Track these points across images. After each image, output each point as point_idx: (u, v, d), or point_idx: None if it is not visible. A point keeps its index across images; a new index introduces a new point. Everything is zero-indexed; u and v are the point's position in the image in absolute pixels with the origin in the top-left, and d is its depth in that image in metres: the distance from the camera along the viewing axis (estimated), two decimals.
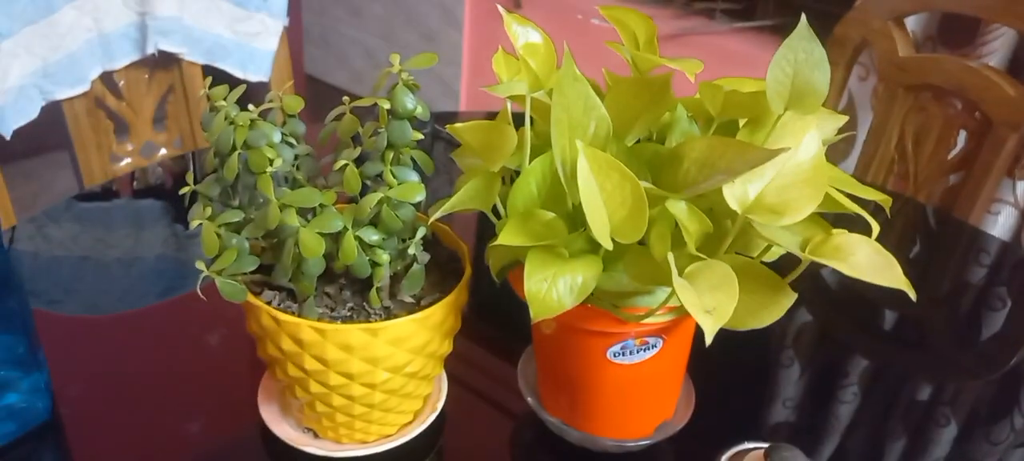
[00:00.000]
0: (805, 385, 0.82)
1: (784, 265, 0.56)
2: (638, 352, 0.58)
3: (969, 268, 1.09)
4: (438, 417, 0.69)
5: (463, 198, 0.57)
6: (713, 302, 0.47)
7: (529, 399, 0.67)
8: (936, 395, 0.79)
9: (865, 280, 0.50)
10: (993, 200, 1.22)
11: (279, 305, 0.59)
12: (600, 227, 0.50)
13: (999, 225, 1.30)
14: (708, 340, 0.47)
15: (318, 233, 0.54)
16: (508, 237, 0.53)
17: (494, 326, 0.85)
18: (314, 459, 0.65)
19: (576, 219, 0.56)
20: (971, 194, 1.21)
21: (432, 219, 0.58)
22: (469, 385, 0.75)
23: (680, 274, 0.50)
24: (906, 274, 0.52)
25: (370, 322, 0.58)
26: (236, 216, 0.57)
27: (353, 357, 0.57)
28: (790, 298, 0.53)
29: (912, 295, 0.51)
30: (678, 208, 0.53)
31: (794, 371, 0.84)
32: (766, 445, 0.55)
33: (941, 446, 0.74)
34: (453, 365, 0.73)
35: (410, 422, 0.67)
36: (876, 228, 0.53)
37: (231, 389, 0.75)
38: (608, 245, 0.50)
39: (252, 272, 0.58)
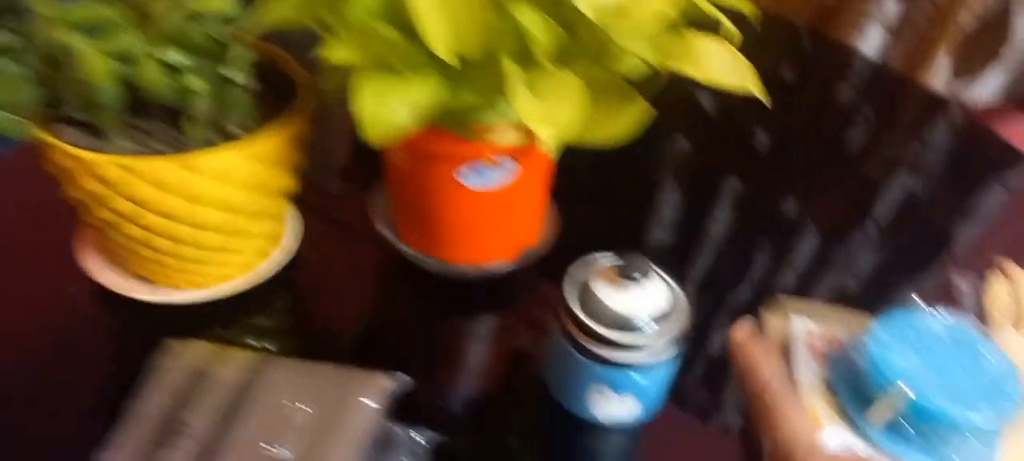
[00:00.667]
0: (676, 207, 0.82)
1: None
2: (491, 175, 0.55)
3: (837, 86, 1.10)
4: (288, 257, 0.64)
5: (282, 9, 0.50)
6: (555, 113, 0.44)
7: (384, 230, 0.63)
8: (800, 210, 0.81)
9: (717, 84, 0.47)
10: (863, 16, 1.22)
11: (82, 142, 0.51)
12: (435, 33, 0.45)
13: (869, 43, 1.32)
14: (552, 153, 0.43)
15: (106, 54, 0.46)
16: (336, 53, 0.47)
17: (350, 158, 0.80)
18: (149, 306, 0.60)
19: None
20: (842, 12, 1.21)
21: (248, 36, 0.51)
22: (322, 221, 0.71)
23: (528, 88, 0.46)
24: (773, 90, 0.50)
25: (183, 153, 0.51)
26: (9, 39, 0.48)
27: (170, 195, 0.51)
28: (645, 111, 0.50)
29: (766, 101, 0.49)
30: (526, 15, 0.48)
31: (665, 194, 0.84)
32: (613, 255, 0.53)
33: (802, 256, 0.76)
34: (306, 201, 0.69)
35: (257, 263, 0.63)
36: (737, 34, 0.50)
37: (48, 244, 0.67)
38: (445, 55, 0.45)
39: (48, 105, 0.50)
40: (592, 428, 0.57)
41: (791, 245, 0.77)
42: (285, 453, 0.43)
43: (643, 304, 0.52)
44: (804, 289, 0.72)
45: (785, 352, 0.57)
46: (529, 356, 0.62)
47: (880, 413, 0.48)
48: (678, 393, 0.60)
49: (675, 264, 0.67)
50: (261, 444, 0.44)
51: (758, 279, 0.73)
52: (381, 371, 0.51)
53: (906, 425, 0.48)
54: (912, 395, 0.47)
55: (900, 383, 0.47)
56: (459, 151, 0.53)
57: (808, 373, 0.54)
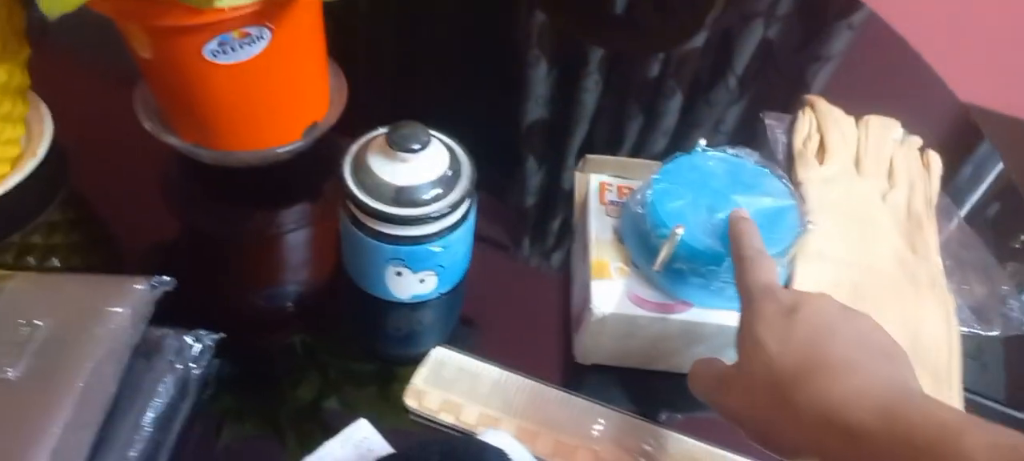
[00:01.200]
0: (497, 69, 0.79)
1: None
2: (242, 47, 0.49)
3: None
4: (43, 164, 0.58)
5: None
6: None
7: (149, 124, 0.57)
8: (662, 71, 0.79)
9: None
10: None
11: None
12: None
13: None
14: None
15: None
16: None
17: (105, 51, 0.72)
18: None
19: None
20: None
21: None
22: (83, 121, 0.64)
23: None
24: None
25: None
26: None
27: None
28: None
29: None
30: None
31: (476, 55, 0.80)
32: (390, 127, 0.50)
33: (670, 116, 0.75)
34: (60, 103, 0.62)
35: (5, 174, 0.56)
36: None
37: None
38: None
39: None
40: (394, 307, 0.55)
41: (659, 107, 0.76)
42: (12, 373, 0.39)
43: (421, 174, 0.49)
44: (639, 146, 0.72)
45: (584, 208, 0.56)
46: (326, 241, 0.59)
47: (661, 258, 0.48)
48: (484, 260, 0.58)
49: (490, 130, 0.64)
50: None
51: (605, 140, 0.72)
52: (142, 276, 0.46)
53: (684, 267, 0.48)
54: (680, 234, 0.47)
55: (675, 226, 0.47)
56: (193, 23, 0.47)
57: (600, 226, 0.54)
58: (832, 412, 0.35)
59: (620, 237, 0.53)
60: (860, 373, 0.37)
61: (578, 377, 0.52)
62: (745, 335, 0.41)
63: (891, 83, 0.85)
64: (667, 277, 0.49)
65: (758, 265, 0.44)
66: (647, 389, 0.52)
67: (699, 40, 0.84)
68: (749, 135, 0.73)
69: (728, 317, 0.49)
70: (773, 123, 0.73)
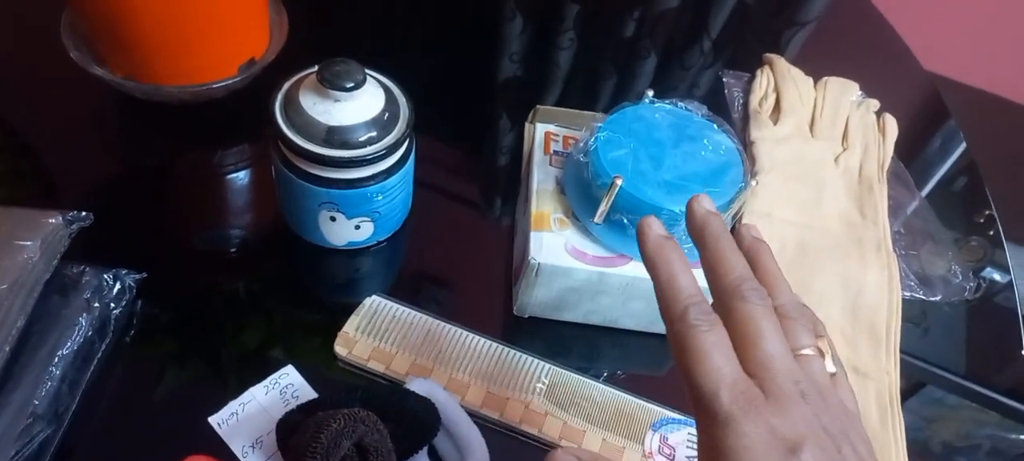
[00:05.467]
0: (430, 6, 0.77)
1: None
2: None
3: None
4: None
5: None
6: None
7: (74, 54, 0.54)
8: (637, 31, 0.77)
9: None
10: None
11: None
12: None
13: None
14: None
15: None
16: None
17: None
18: None
19: None
20: None
21: None
22: (8, 47, 0.61)
23: None
24: None
25: None
26: None
27: None
28: None
29: None
30: None
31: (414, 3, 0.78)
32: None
33: (644, 77, 0.74)
34: None
35: None
36: None
37: None
38: None
39: None
40: (330, 254, 0.53)
41: (634, 69, 0.74)
42: None
43: (354, 115, 0.47)
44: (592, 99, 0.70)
45: (530, 158, 0.55)
46: (263, 185, 0.57)
47: (602, 210, 0.47)
48: (429, 210, 0.57)
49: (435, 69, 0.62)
50: None
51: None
52: (56, 210, 0.44)
53: (625, 219, 0.47)
54: (619, 184, 0.46)
55: (615, 176, 0.46)
56: None
57: (542, 176, 0.52)
58: None
59: (562, 188, 0.51)
60: None
61: (516, 330, 0.51)
62: None
63: (862, 52, 0.83)
64: (607, 230, 0.48)
65: (710, 339, 0.29)
66: (584, 343, 0.52)
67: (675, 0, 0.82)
68: (721, 99, 0.71)
69: None
70: (731, 81, 0.72)
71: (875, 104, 0.70)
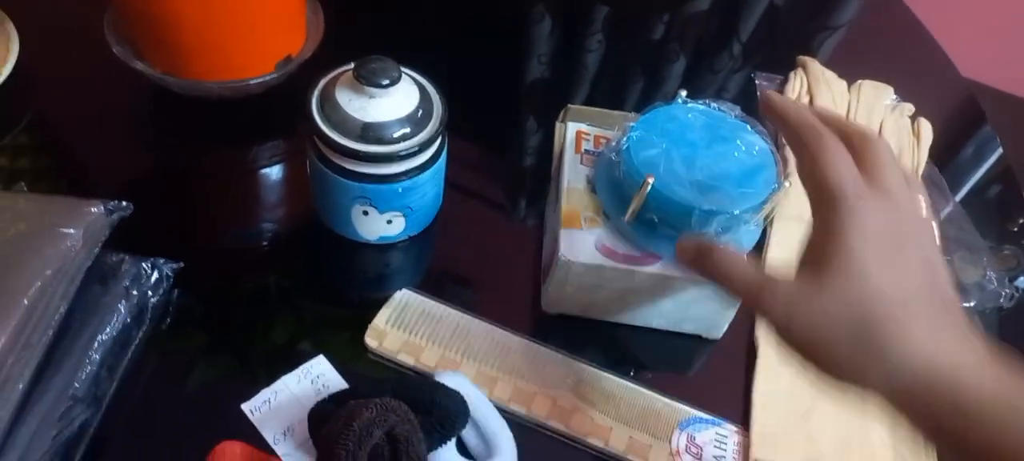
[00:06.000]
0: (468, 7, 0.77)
1: None
2: None
3: None
4: (10, 84, 0.57)
5: None
6: None
7: (117, 49, 0.56)
8: (666, 34, 0.77)
9: None
10: None
11: None
12: None
13: None
14: None
15: None
16: None
17: None
18: None
19: None
20: None
21: None
22: (51, 42, 0.62)
23: None
24: None
25: None
26: None
27: None
28: None
29: None
30: None
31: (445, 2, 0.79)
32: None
33: (673, 80, 0.74)
34: (28, 23, 0.60)
35: None
36: None
37: None
38: None
39: None
40: (361, 248, 0.54)
41: (663, 72, 0.74)
42: None
43: (389, 111, 0.48)
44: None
45: (561, 157, 0.55)
46: (297, 180, 0.58)
47: (633, 208, 0.47)
48: (460, 207, 0.57)
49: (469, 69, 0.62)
50: None
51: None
52: (98, 200, 0.45)
53: (656, 218, 0.47)
54: (651, 183, 0.46)
55: (647, 175, 0.46)
56: None
57: (573, 175, 0.52)
58: (937, 365, 0.31)
59: (593, 187, 0.52)
60: (961, 322, 0.33)
61: (544, 327, 0.51)
62: (833, 244, 0.33)
63: (896, 57, 0.82)
64: (638, 229, 0.48)
65: (835, 151, 0.35)
66: (611, 341, 0.52)
67: (705, 2, 0.82)
68: (750, 103, 0.71)
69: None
70: (764, 83, 0.71)
71: (910, 108, 0.69)
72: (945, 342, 0.32)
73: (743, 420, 0.48)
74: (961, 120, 0.77)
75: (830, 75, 0.70)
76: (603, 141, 0.55)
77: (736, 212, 0.46)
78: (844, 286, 0.33)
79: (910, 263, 0.33)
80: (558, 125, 0.59)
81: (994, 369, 0.31)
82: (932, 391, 0.31)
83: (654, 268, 0.48)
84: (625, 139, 0.49)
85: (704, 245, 0.40)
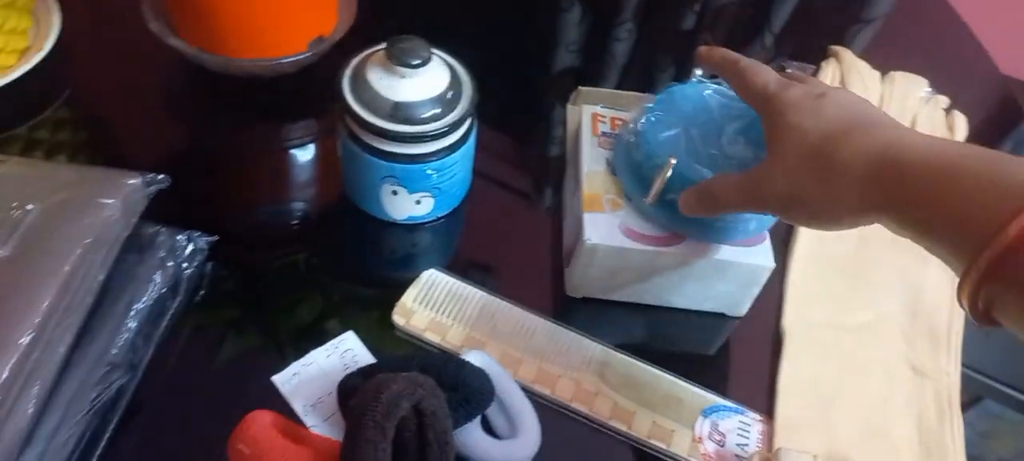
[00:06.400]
0: None
1: None
2: None
3: None
4: (50, 59, 0.58)
5: None
6: None
7: (153, 25, 0.57)
8: (697, 24, 0.77)
9: None
10: None
11: None
12: None
13: None
14: None
15: None
16: None
17: None
18: None
19: None
20: None
21: None
22: (91, 17, 0.64)
23: None
24: None
25: None
26: None
27: None
28: None
29: None
30: None
31: None
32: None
33: (702, 70, 0.73)
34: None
35: (11, 65, 0.56)
36: None
37: None
38: None
39: None
40: (390, 227, 0.54)
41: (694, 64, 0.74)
42: (1, 252, 0.40)
43: (419, 91, 0.48)
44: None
45: (577, 140, 0.55)
46: (327, 159, 0.59)
47: (655, 191, 0.47)
48: (486, 190, 0.58)
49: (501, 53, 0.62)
50: None
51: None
52: (135, 172, 0.46)
53: (677, 198, 0.47)
54: (674, 164, 0.46)
55: (669, 157, 0.46)
56: None
57: (592, 158, 0.53)
58: (882, 153, 0.36)
59: (613, 169, 0.52)
60: (894, 125, 0.38)
61: (569, 310, 0.52)
62: (776, 126, 0.41)
63: (933, 51, 0.81)
64: (661, 209, 0.48)
65: (758, 68, 0.44)
66: (635, 325, 0.52)
67: None
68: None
69: (721, 251, 0.49)
70: (796, 72, 0.71)
71: (944, 101, 0.68)
72: (881, 136, 0.37)
73: (767, 409, 0.48)
74: (999, 117, 0.76)
75: (863, 65, 0.69)
76: (619, 123, 0.55)
77: None
78: (794, 147, 0.39)
79: (834, 103, 0.40)
80: (570, 107, 0.59)
81: (928, 142, 0.36)
82: (881, 172, 0.36)
83: (678, 248, 0.48)
84: (643, 121, 0.49)
85: (730, 54, 0.47)
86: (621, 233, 0.48)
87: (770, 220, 0.50)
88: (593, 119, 0.55)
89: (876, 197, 0.36)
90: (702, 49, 0.48)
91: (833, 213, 0.38)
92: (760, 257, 0.49)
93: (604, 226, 0.49)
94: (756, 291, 0.51)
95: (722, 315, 0.53)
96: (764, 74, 0.44)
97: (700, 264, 0.49)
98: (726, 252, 0.49)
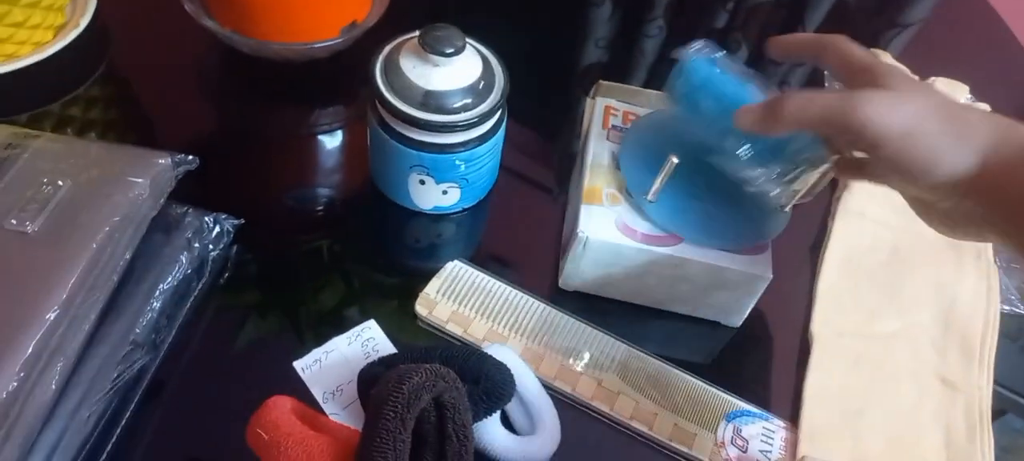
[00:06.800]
0: None
1: None
2: None
3: None
4: (85, 36, 0.58)
5: None
6: None
7: (188, 6, 0.57)
8: (729, 23, 0.76)
9: None
10: None
11: None
12: None
13: None
14: None
15: None
16: None
17: None
18: None
19: None
20: None
21: None
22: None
23: None
24: None
25: None
26: None
27: None
28: None
29: None
30: None
31: None
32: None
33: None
34: None
35: (45, 40, 0.57)
36: None
37: None
38: None
39: None
40: (416, 217, 0.54)
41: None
42: (31, 227, 0.40)
43: (451, 80, 0.48)
44: None
45: (587, 132, 0.54)
46: (356, 146, 0.58)
47: (656, 185, 0.47)
48: (513, 184, 0.57)
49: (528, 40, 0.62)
50: (7, 218, 0.40)
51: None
52: (164, 152, 0.46)
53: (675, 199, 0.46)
54: (676, 162, 0.45)
55: (671, 156, 0.45)
56: None
57: (598, 150, 0.52)
58: (1007, 132, 0.36)
59: (617, 164, 0.51)
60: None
61: (592, 308, 0.51)
62: (891, 76, 0.38)
63: (975, 57, 0.79)
64: (660, 208, 0.47)
65: (851, 42, 0.41)
66: (654, 326, 0.51)
67: None
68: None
69: (719, 257, 0.47)
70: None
71: (985, 108, 0.66)
72: (1006, 119, 0.37)
73: (791, 416, 0.48)
74: None
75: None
76: (632, 117, 0.54)
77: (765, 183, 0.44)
78: (920, 87, 0.38)
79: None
80: (588, 100, 0.58)
81: None
82: (1002, 148, 0.35)
83: (675, 249, 0.47)
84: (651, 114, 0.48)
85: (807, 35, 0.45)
86: (616, 228, 0.48)
87: (777, 228, 0.48)
88: (605, 111, 0.54)
89: (993, 168, 0.35)
90: (776, 39, 0.44)
91: (942, 158, 0.36)
92: (759, 267, 0.47)
93: (600, 219, 0.48)
94: (751, 302, 0.50)
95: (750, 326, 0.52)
96: (860, 50, 0.41)
97: (696, 268, 0.48)
98: (724, 258, 0.47)
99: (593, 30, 0.73)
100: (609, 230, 0.48)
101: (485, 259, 0.52)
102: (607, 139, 0.53)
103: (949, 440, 0.47)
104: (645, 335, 0.50)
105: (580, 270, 0.50)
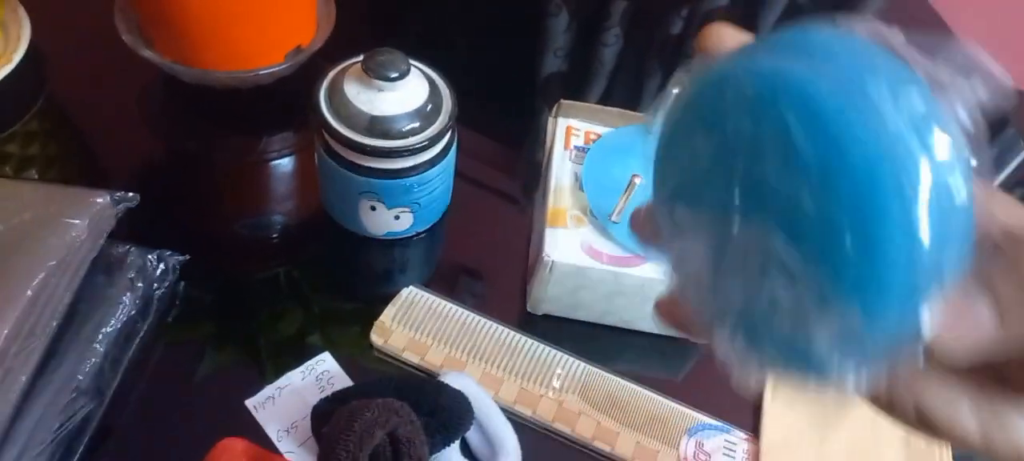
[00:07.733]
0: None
1: None
2: None
3: None
4: (21, 71, 0.56)
5: None
6: None
7: (126, 37, 0.55)
8: (684, 30, 0.76)
9: None
10: None
11: None
12: None
13: None
14: None
15: None
16: None
17: None
18: None
19: None
20: None
21: None
22: (62, 28, 0.62)
23: None
24: None
25: None
26: None
27: None
28: None
29: None
30: None
31: None
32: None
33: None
34: (39, 8, 0.60)
35: None
36: None
37: None
38: None
39: None
40: (369, 243, 0.53)
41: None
42: None
43: (397, 105, 0.47)
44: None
45: (550, 153, 0.54)
46: (305, 172, 0.57)
47: (619, 207, 0.46)
48: (467, 205, 0.57)
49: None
50: None
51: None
52: (104, 190, 0.45)
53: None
54: (638, 183, 0.45)
55: (634, 175, 0.45)
56: None
57: (561, 172, 0.52)
58: None
59: (581, 185, 0.51)
60: None
61: (553, 329, 0.50)
62: None
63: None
64: (624, 228, 0.47)
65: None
66: (618, 346, 0.51)
67: None
68: None
69: None
70: None
71: None
72: None
73: (753, 427, 0.48)
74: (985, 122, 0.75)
75: None
76: (594, 137, 0.54)
77: None
78: None
79: None
80: (550, 120, 0.58)
81: None
82: None
83: (641, 270, 0.47)
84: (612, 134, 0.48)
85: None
86: (582, 251, 0.47)
87: None
88: (567, 132, 0.54)
89: None
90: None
91: None
92: None
93: (565, 243, 0.48)
94: None
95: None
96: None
97: (661, 288, 0.47)
98: None
99: (552, 40, 0.73)
100: (575, 253, 0.47)
101: (441, 282, 0.52)
102: (570, 160, 0.52)
103: (909, 449, 0.48)
104: (616, 354, 0.50)
105: (548, 294, 0.49)
